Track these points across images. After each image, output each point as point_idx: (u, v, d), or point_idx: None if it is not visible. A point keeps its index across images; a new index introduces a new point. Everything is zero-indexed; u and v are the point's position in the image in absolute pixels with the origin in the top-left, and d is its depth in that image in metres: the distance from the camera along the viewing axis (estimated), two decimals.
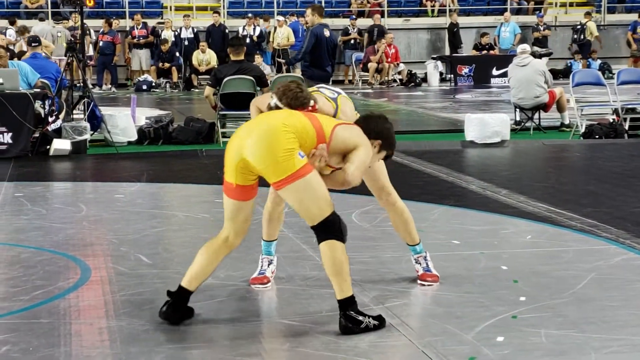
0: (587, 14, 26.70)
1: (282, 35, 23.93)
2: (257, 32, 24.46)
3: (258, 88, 12.60)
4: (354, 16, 26.56)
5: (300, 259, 6.13)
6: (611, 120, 13.36)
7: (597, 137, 12.92)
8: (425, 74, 25.41)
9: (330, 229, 4.58)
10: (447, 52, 26.48)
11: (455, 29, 26.38)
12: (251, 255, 6.12)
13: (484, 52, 25.79)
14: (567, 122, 14.12)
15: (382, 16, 27.01)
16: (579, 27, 26.35)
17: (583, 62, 25.49)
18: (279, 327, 4.75)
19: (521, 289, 5.33)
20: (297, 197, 4.59)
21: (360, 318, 4.55)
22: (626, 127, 13.22)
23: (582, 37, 26.14)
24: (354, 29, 25.98)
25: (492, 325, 4.67)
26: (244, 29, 24.16)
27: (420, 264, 5.56)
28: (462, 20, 26.87)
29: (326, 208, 4.58)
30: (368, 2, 28.21)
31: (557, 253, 6.34)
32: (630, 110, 13.58)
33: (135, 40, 24.60)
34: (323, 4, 25.30)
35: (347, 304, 4.56)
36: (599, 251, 6.30)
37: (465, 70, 25.11)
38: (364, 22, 26.89)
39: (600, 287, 5.37)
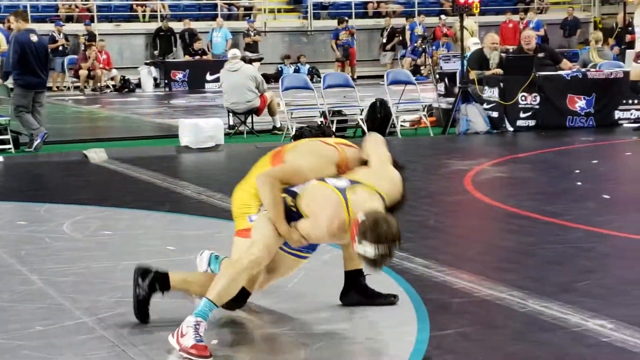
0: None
1: None
2: None
3: None
4: (61, 22, 25.77)
5: (7, 274, 5.87)
6: (319, 123, 13.83)
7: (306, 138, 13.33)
8: (139, 79, 25.16)
9: None
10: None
11: (169, 33, 26.36)
12: None
13: (197, 57, 25.92)
14: (278, 125, 14.48)
15: (92, 21, 26.42)
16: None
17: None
18: None
19: None
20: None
21: None
22: (333, 129, 13.74)
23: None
24: (59, 35, 25.24)
25: (206, 330, 4.68)
26: None
27: None
28: (174, 25, 26.81)
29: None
30: (76, 7, 27.52)
31: None
32: (337, 113, 14.14)
33: None
34: (28, 9, 24.39)
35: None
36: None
37: (179, 75, 25.12)
38: (73, 28, 26.21)
39: (312, 284, 5.53)
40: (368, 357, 4.39)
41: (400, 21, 28.89)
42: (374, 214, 4.30)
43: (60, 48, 25.15)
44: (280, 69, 26.23)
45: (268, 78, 21.37)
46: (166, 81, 25.13)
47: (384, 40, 28.00)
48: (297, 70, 25.70)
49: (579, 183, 9.33)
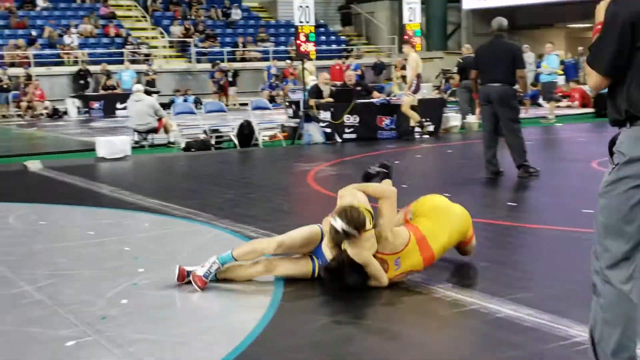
0: None
1: None
2: None
3: None
4: (5, 67, 24.36)
5: None
6: (202, 138, 13.66)
7: (193, 150, 13.15)
8: (66, 108, 24.16)
9: None
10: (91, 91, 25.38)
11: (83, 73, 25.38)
12: None
13: (109, 91, 25.11)
14: (172, 140, 14.21)
15: (30, 66, 25.14)
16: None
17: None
18: None
19: (139, 263, 5.25)
20: None
21: None
22: (213, 142, 13.60)
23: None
24: (4, 76, 23.88)
25: (118, 292, 4.56)
26: None
27: None
28: (92, 68, 25.86)
29: None
30: (18, 56, 26.10)
31: (165, 235, 6.35)
32: (215, 130, 14.00)
33: None
34: None
35: None
36: (196, 231, 6.39)
37: (96, 105, 24.28)
38: (15, 71, 24.87)
39: (199, 258, 5.42)
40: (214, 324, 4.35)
41: (259, 64, 28.85)
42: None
43: (5, 86, 23.87)
44: (172, 99, 25.66)
45: (163, 106, 20.89)
46: (86, 109, 24.22)
47: (230, 80, 27.38)
48: (185, 100, 25.20)
49: None
